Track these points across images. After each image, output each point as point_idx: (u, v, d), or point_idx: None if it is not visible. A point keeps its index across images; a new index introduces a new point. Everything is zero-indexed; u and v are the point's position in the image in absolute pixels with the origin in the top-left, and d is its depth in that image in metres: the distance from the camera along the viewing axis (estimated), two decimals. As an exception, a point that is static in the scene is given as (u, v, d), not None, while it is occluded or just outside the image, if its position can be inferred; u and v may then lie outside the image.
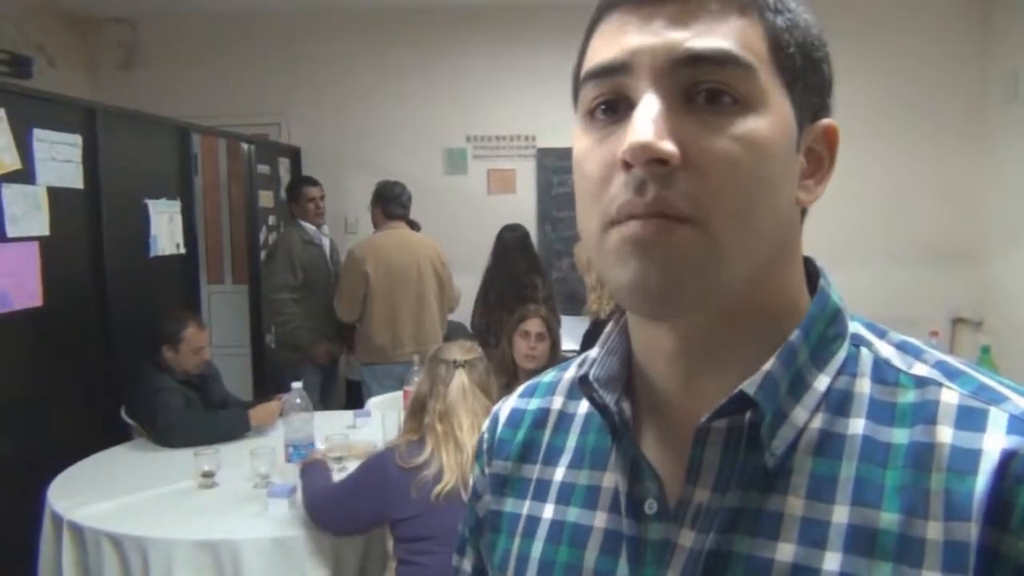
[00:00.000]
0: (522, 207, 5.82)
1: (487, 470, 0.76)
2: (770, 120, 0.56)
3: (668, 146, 0.52)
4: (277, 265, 4.45)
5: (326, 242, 4.83)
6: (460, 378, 2.30)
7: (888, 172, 5.50)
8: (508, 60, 5.83)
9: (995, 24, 5.42)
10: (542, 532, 0.68)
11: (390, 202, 4.39)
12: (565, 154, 5.84)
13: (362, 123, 5.86)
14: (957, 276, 5.53)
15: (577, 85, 0.62)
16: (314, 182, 4.87)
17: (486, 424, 0.80)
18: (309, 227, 4.69)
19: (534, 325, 3.26)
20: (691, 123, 0.54)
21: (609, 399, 0.64)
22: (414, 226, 4.90)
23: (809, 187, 0.61)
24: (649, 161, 0.53)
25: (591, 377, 0.64)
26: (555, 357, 3.34)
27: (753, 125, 0.55)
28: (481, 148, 5.93)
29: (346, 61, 5.85)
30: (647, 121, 0.53)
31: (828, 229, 5.25)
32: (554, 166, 5.92)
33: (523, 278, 4.63)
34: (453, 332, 5.16)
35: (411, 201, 4.47)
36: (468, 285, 4.89)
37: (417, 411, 2.30)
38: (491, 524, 0.74)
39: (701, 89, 0.55)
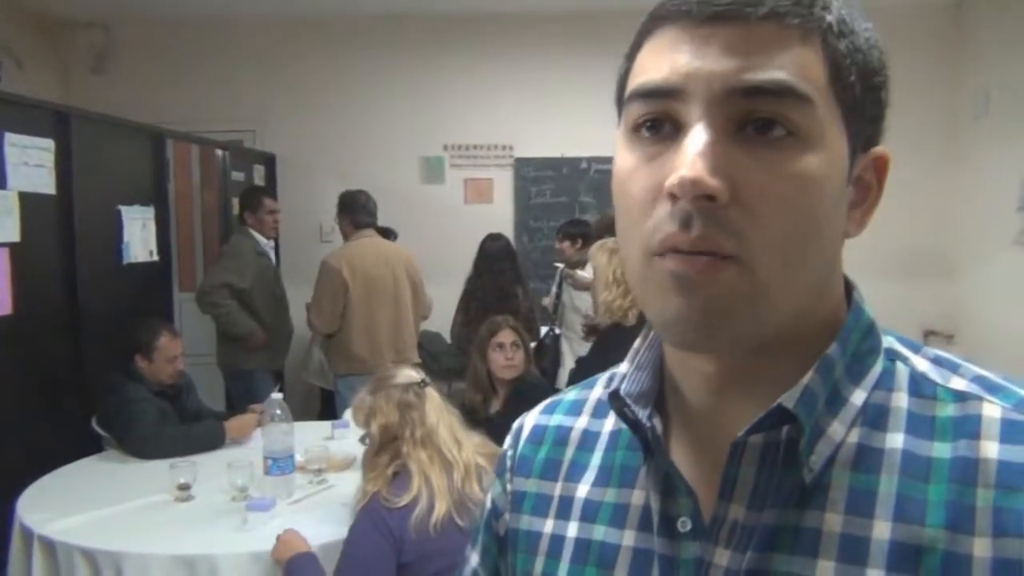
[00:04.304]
0: (499, 217, 5.81)
1: (509, 487, 0.74)
2: (824, 156, 0.54)
3: (717, 183, 0.51)
4: (222, 268, 4.31)
5: (272, 256, 4.74)
6: (434, 398, 2.24)
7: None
8: (486, 69, 5.83)
9: (966, 41, 5.52)
10: (567, 551, 0.66)
11: (356, 211, 4.33)
12: (543, 164, 5.87)
13: (338, 131, 5.82)
14: (929, 289, 5.60)
15: (621, 95, 0.60)
16: (273, 195, 4.77)
17: (508, 440, 0.77)
18: (260, 238, 4.55)
19: (507, 336, 3.27)
20: (742, 156, 0.52)
21: (641, 414, 0.62)
22: (390, 234, 4.87)
23: (856, 218, 0.60)
24: (697, 197, 0.51)
25: (622, 392, 0.63)
26: (530, 364, 3.35)
27: (807, 162, 0.53)
28: (458, 157, 5.92)
29: (323, 68, 5.81)
30: (697, 155, 0.51)
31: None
32: (532, 176, 5.92)
33: (507, 288, 4.62)
34: (429, 342, 5.14)
35: (377, 208, 4.41)
36: (444, 294, 4.87)
37: (386, 444, 2.16)
38: (511, 543, 0.72)
39: (754, 119, 0.53)
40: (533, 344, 4.47)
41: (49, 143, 3.34)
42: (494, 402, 3.26)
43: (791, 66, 0.53)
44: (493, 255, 4.76)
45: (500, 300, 4.54)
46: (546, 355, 4.86)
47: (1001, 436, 0.54)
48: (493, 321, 3.36)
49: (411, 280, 4.40)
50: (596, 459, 0.69)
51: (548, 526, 0.69)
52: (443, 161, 5.92)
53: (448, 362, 5.08)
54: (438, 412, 2.20)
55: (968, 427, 0.55)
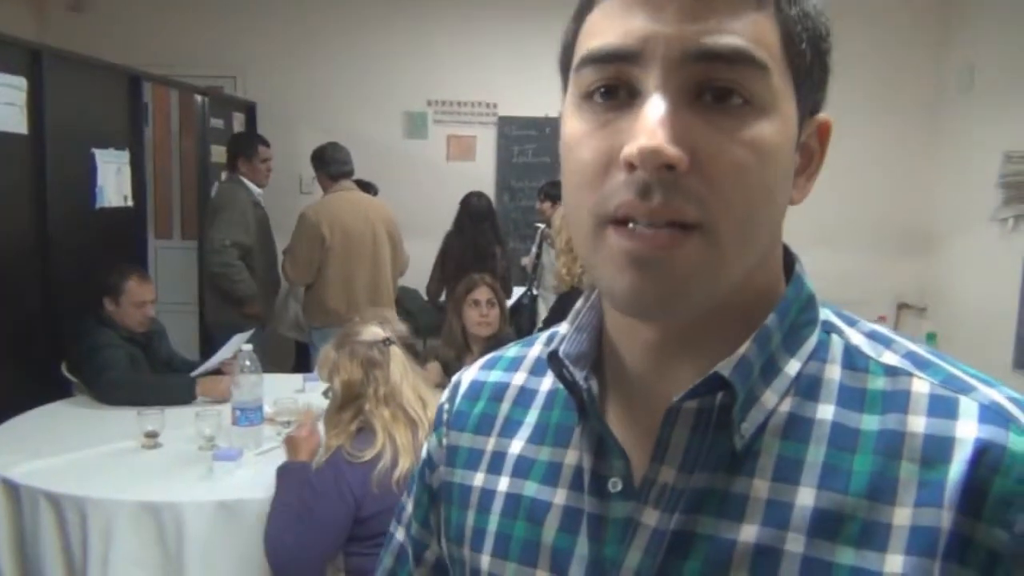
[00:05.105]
0: (481, 175, 5.78)
1: (444, 441, 0.75)
2: (778, 123, 0.54)
3: (677, 152, 0.50)
4: (229, 222, 4.22)
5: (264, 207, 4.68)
6: (398, 356, 2.23)
7: (840, 156, 5.50)
8: (472, 25, 5.75)
9: (952, 16, 5.50)
10: (497, 506, 0.67)
11: (329, 164, 4.30)
12: (527, 123, 5.83)
13: (321, 81, 5.74)
14: (905, 262, 5.65)
15: (567, 59, 0.59)
16: (267, 142, 4.69)
17: (445, 394, 0.78)
18: (254, 188, 4.48)
19: (482, 293, 3.28)
20: (699, 124, 0.52)
21: (578, 376, 0.62)
22: (370, 188, 4.83)
23: (800, 184, 0.60)
24: (658, 167, 0.51)
25: (561, 353, 0.63)
26: (505, 323, 3.36)
27: (763, 129, 0.53)
28: (442, 113, 5.86)
29: (307, 17, 5.71)
30: (657, 124, 0.50)
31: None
32: (515, 135, 5.88)
33: (486, 248, 4.63)
34: (407, 299, 5.14)
35: (350, 156, 4.35)
36: (423, 250, 4.86)
37: (349, 401, 2.17)
38: (444, 496, 0.73)
39: (711, 87, 0.52)
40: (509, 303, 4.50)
41: (21, 81, 3.27)
42: (468, 359, 3.27)
43: (748, 33, 0.52)
44: (475, 213, 4.76)
45: (477, 259, 4.54)
46: (523, 315, 4.89)
47: (928, 411, 0.55)
48: (470, 278, 3.37)
49: (390, 235, 4.38)
50: (532, 417, 0.69)
51: (479, 480, 0.70)
52: (426, 116, 5.86)
53: (424, 319, 5.08)
54: (402, 370, 2.20)
55: (897, 401, 0.56)
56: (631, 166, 0.51)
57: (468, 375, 0.77)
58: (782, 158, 0.55)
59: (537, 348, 0.74)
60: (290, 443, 2.26)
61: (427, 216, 5.23)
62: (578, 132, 0.56)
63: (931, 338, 4.18)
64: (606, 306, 0.65)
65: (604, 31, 0.55)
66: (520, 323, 4.75)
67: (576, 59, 0.57)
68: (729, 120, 0.52)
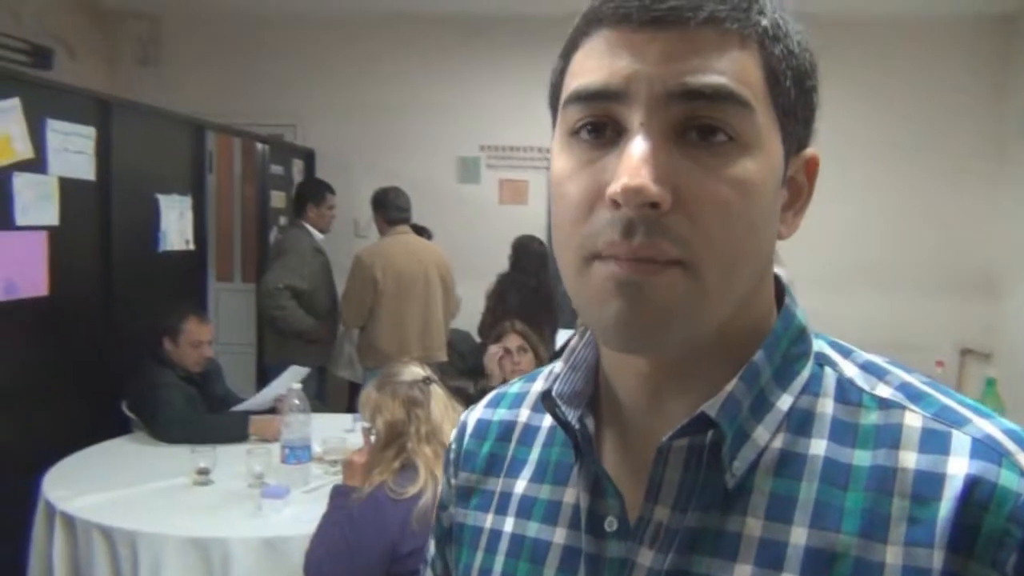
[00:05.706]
0: (533, 218, 5.81)
1: (453, 481, 0.75)
2: (762, 160, 0.54)
3: (660, 191, 0.51)
4: (287, 266, 4.36)
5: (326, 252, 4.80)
6: (438, 394, 2.26)
7: (902, 200, 5.47)
8: (523, 71, 5.81)
9: (1013, 58, 5.39)
10: (503, 546, 0.67)
11: (390, 209, 4.40)
12: (578, 167, 5.85)
13: (377, 128, 5.87)
14: (968, 307, 5.48)
15: (555, 96, 0.60)
16: (333, 190, 4.85)
17: (453, 434, 0.78)
18: (317, 234, 4.64)
19: (512, 341, 3.30)
20: (683, 162, 0.52)
21: (572, 416, 0.63)
22: (425, 232, 4.91)
23: (788, 219, 0.60)
24: (640, 205, 0.51)
25: (554, 393, 0.64)
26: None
27: (746, 167, 0.53)
28: (494, 157, 5.94)
29: (362, 66, 5.87)
30: (640, 162, 0.51)
31: (841, 254, 5.27)
32: (567, 179, 5.91)
33: (551, 291, 4.69)
34: (459, 341, 5.17)
35: (410, 203, 4.46)
36: (475, 294, 4.90)
37: (392, 440, 2.19)
38: (456, 536, 0.73)
39: (695, 125, 0.53)
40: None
41: (90, 131, 3.43)
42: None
43: (731, 71, 0.53)
44: (535, 255, 4.82)
45: (541, 303, 4.59)
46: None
47: (920, 446, 0.54)
48: (501, 326, 3.41)
49: (442, 279, 4.44)
50: (534, 455, 0.70)
51: (488, 521, 0.70)
52: (479, 161, 5.94)
53: (476, 360, 5.10)
54: (443, 409, 2.22)
55: (889, 436, 0.55)
56: (616, 204, 0.52)
57: (474, 414, 0.77)
58: (766, 195, 0.55)
59: (540, 383, 0.74)
60: (348, 467, 2.29)
61: (480, 259, 5.27)
62: (566, 169, 0.57)
63: (991, 384, 4.02)
64: (601, 344, 0.65)
65: (590, 70, 0.55)
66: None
67: (563, 97, 0.58)
68: (713, 158, 0.53)
